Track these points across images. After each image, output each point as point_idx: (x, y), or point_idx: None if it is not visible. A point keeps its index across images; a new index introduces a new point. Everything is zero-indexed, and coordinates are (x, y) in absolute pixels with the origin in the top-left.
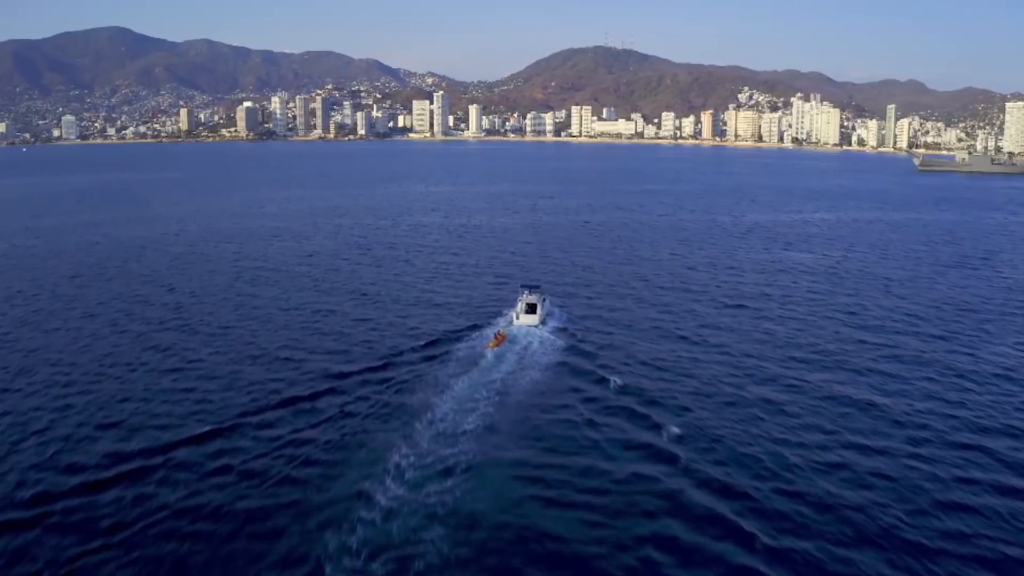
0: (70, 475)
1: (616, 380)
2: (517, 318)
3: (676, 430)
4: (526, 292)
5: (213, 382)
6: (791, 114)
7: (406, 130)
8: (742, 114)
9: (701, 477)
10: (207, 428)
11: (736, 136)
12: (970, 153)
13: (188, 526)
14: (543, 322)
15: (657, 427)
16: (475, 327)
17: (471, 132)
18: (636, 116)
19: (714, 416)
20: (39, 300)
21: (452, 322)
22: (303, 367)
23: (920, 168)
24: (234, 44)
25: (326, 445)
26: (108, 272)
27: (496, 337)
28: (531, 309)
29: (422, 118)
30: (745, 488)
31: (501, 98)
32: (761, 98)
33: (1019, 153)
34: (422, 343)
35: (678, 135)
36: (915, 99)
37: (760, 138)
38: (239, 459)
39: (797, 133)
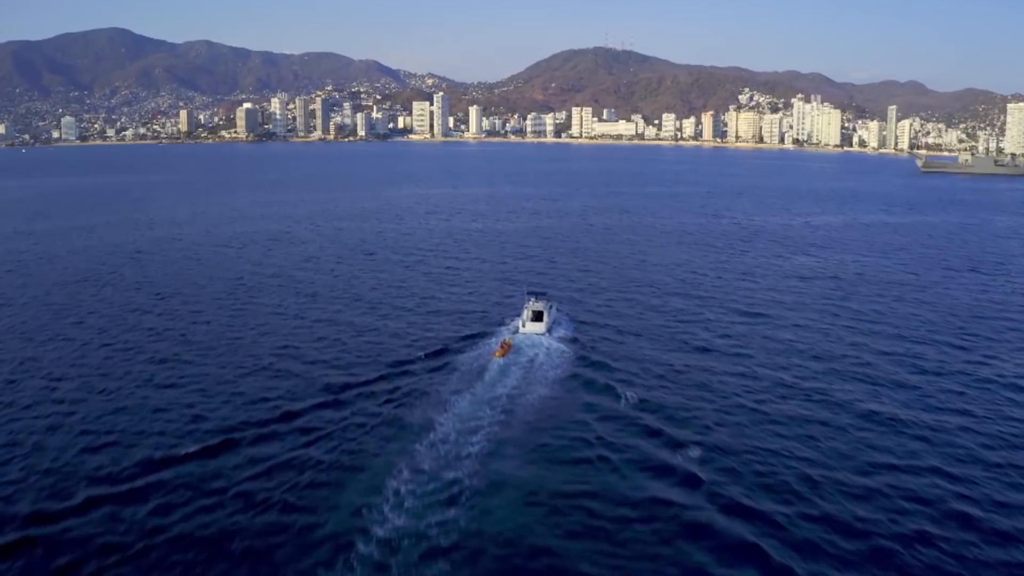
0: (52, 498)
1: (629, 394)
2: (523, 326)
3: (696, 448)
4: (532, 299)
5: (206, 396)
6: (792, 115)
7: (406, 131)
8: (743, 115)
9: (726, 502)
10: (199, 447)
11: (737, 137)
12: (973, 155)
13: (174, 557)
14: (550, 330)
15: (675, 446)
16: (479, 335)
17: (471, 133)
18: (636, 117)
19: (734, 433)
20: (29, 308)
21: (455, 330)
22: (301, 379)
23: (923, 170)
24: (234, 45)
25: (322, 467)
26: (102, 278)
27: (502, 346)
28: (537, 317)
29: (422, 119)
30: (773, 514)
31: (501, 99)
32: (762, 99)
33: (1022, 155)
34: (425, 353)
35: (679, 136)
36: (915, 100)
37: (761, 139)
38: (231, 481)
39: (798, 134)
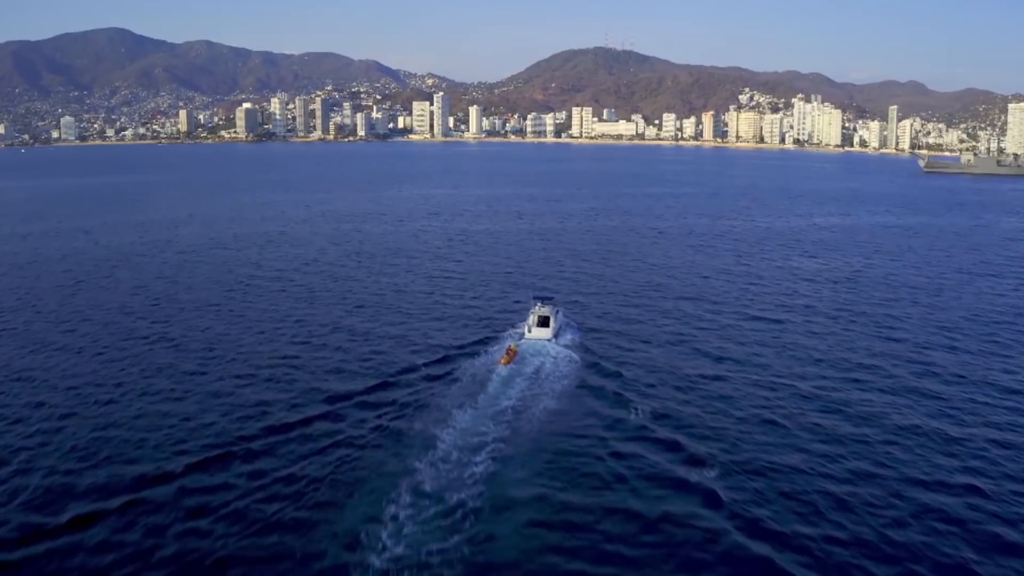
0: (38, 518)
1: (641, 404)
2: (529, 331)
3: (715, 464)
4: (538, 304)
5: (202, 408)
6: (792, 115)
7: (406, 131)
8: (743, 115)
9: (750, 524)
10: (192, 462)
11: (737, 137)
12: (975, 155)
13: None
14: (556, 336)
15: (693, 462)
16: (484, 341)
17: (471, 133)
18: (637, 117)
19: (753, 447)
20: (20, 314)
21: (458, 336)
22: (297, 388)
23: (926, 170)
24: (234, 45)
25: (316, 487)
26: (96, 282)
27: (507, 352)
28: (544, 322)
29: (422, 119)
30: (799, 537)
31: (501, 99)
32: (762, 99)
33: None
34: (426, 360)
35: (679, 136)
36: (916, 100)
37: (762, 139)
38: (223, 501)
39: (799, 134)
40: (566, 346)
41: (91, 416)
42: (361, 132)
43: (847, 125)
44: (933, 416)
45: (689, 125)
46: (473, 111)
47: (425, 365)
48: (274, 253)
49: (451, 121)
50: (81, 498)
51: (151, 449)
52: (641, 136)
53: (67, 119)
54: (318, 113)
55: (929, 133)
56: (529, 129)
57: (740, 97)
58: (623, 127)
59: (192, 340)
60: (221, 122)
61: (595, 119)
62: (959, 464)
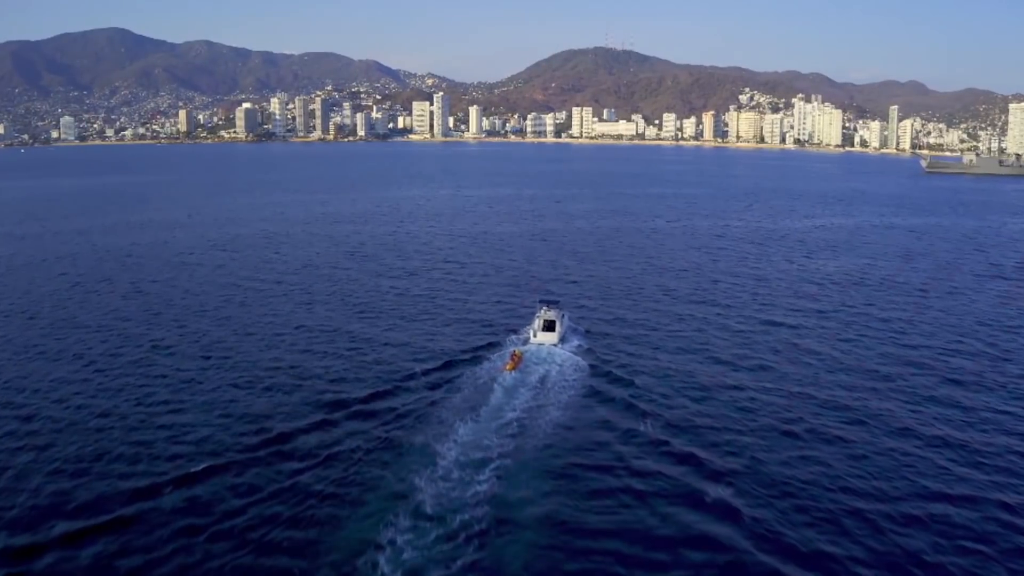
0: (25, 534)
1: (654, 414)
2: (534, 336)
3: (732, 477)
4: (544, 308)
5: (194, 417)
6: (793, 115)
7: (406, 131)
8: (744, 115)
9: (771, 542)
10: (182, 476)
11: (738, 137)
12: (977, 155)
13: None
14: (563, 340)
15: (709, 475)
16: (487, 347)
17: (471, 133)
18: (637, 117)
19: (771, 458)
20: (12, 319)
21: (461, 341)
22: (295, 398)
23: (927, 170)
24: (234, 45)
25: (311, 507)
26: (91, 285)
27: (512, 358)
28: (549, 326)
29: (422, 119)
30: (825, 556)
31: (501, 99)
32: (762, 99)
33: None
34: (428, 367)
35: (679, 136)
36: (916, 100)
37: (762, 139)
38: (212, 519)
39: (799, 134)
40: (573, 352)
41: (84, 428)
42: (361, 132)
43: (847, 125)
44: (957, 427)
45: (689, 125)
46: (473, 111)
47: (425, 373)
48: (273, 255)
49: (451, 121)
50: (71, 515)
51: (145, 463)
52: (641, 136)
53: (67, 119)
54: (318, 113)
55: (930, 133)
56: (529, 129)
57: (740, 97)
58: (623, 127)
59: (189, 346)
60: (221, 122)
61: (595, 119)
62: (985, 477)
